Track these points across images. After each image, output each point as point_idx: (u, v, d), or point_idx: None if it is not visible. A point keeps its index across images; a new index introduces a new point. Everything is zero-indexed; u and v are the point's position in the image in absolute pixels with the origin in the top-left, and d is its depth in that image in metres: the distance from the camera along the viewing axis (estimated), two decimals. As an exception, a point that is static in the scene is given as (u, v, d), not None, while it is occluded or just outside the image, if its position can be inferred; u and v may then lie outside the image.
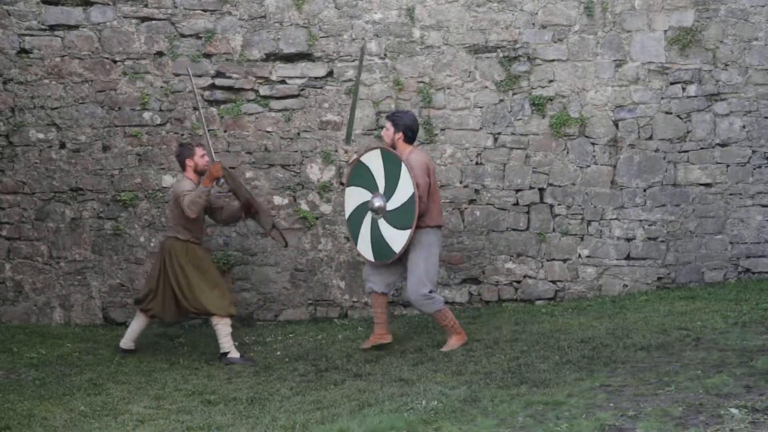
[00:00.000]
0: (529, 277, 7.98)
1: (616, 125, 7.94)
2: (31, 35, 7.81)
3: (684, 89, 7.90)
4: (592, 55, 7.92)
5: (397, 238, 6.40)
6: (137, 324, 6.90)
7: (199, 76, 7.88)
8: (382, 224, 6.48)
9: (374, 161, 6.55)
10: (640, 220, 7.93)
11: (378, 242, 6.52)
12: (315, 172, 7.97)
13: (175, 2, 7.89)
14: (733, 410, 4.38)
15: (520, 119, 7.96)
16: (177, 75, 7.89)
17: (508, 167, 7.99)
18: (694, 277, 7.92)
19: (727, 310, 6.83)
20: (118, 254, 7.90)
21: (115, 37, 7.86)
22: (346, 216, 6.81)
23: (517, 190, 7.98)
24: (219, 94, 7.94)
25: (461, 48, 7.96)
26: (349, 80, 7.94)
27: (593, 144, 7.95)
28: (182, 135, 7.83)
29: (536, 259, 7.97)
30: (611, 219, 7.94)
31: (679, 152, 7.92)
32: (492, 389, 5.20)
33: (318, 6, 7.94)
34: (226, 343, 6.67)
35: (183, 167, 6.85)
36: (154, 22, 7.89)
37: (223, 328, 6.67)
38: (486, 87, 7.98)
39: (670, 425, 4.26)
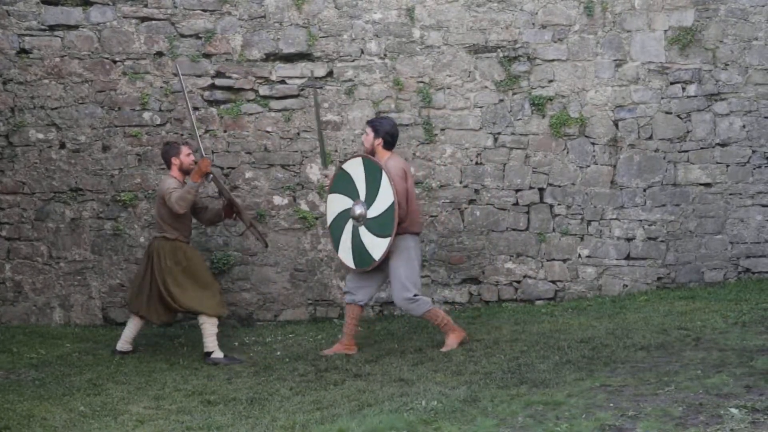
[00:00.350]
0: (529, 277, 7.98)
1: (616, 125, 7.94)
2: (31, 35, 7.81)
3: (684, 89, 7.90)
4: (592, 55, 7.92)
5: (377, 246, 6.42)
6: (132, 326, 6.90)
7: (199, 76, 7.89)
8: (363, 231, 6.50)
9: (355, 168, 6.58)
10: (640, 220, 7.93)
11: (358, 249, 6.54)
12: (315, 172, 7.97)
13: (174, 2, 7.89)
14: (733, 410, 4.37)
15: (520, 119, 7.96)
16: (176, 75, 7.88)
17: (508, 167, 7.99)
18: (694, 277, 7.92)
19: (727, 310, 6.83)
20: (117, 254, 7.90)
21: (115, 37, 7.86)
22: (328, 223, 6.84)
23: (517, 190, 7.98)
24: (219, 94, 7.94)
25: (461, 48, 7.96)
26: (349, 80, 7.94)
27: (593, 144, 7.95)
28: (182, 135, 7.83)
29: (536, 259, 7.97)
30: (611, 219, 7.94)
31: (679, 152, 7.92)
32: (492, 389, 5.20)
33: (318, 6, 7.94)
34: (211, 342, 6.68)
35: (168, 165, 6.88)
36: (153, 22, 7.89)
37: (209, 327, 6.67)
38: (486, 87, 7.98)
39: (670, 425, 4.26)
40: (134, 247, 7.89)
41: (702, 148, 7.92)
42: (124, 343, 6.89)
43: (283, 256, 7.96)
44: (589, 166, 7.96)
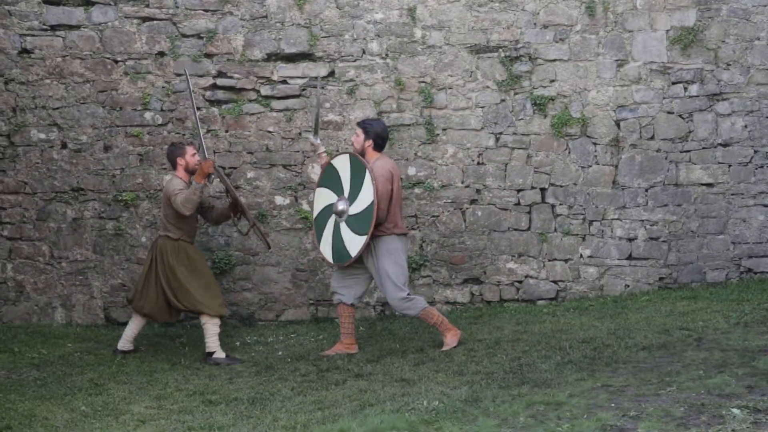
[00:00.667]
0: (531, 277, 7.97)
1: (618, 125, 7.94)
2: (33, 35, 7.82)
3: (686, 89, 7.89)
4: (594, 55, 7.92)
5: (354, 243, 6.48)
6: (134, 325, 6.91)
7: (201, 76, 7.89)
8: (343, 227, 6.57)
9: (343, 165, 6.65)
10: (642, 220, 7.92)
11: (338, 244, 6.60)
12: (316, 172, 7.96)
13: (176, 2, 7.89)
14: (735, 410, 4.37)
15: (521, 119, 7.96)
16: (178, 75, 7.89)
17: (510, 167, 7.99)
18: (696, 277, 7.91)
19: (729, 310, 6.83)
20: (119, 254, 7.90)
21: (117, 37, 7.86)
22: (314, 216, 6.91)
23: (519, 190, 7.98)
24: (220, 94, 7.94)
25: (463, 48, 7.95)
26: (351, 80, 7.94)
27: (595, 144, 7.95)
28: (183, 135, 7.83)
29: (538, 259, 7.96)
30: (613, 219, 7.94)
31: (681, 152, 7.91)
32: (493, 389, 5.20)
33: (319, 6, 7.94)
34: (213, 343, 6.69)
35: (174, 166, 6.89)
36: (155, 22, 7.89)
37: (211, 327, 6.68)
38: (487, 87, 7.98)
39: (672, 425, 4.26)
40: (136, 246, 7.89)
41: (704, 148, 7.91)
42: (125, 342, 6.90)
43: (285, 256, 7.96)
44: (590, 166, 7.95)
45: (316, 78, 7.64)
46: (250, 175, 7.95)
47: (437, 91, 7.96)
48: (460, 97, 7.97)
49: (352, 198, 6.53)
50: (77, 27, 7.85)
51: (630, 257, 7.94)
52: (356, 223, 6.49)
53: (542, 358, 5.90)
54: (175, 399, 5.68)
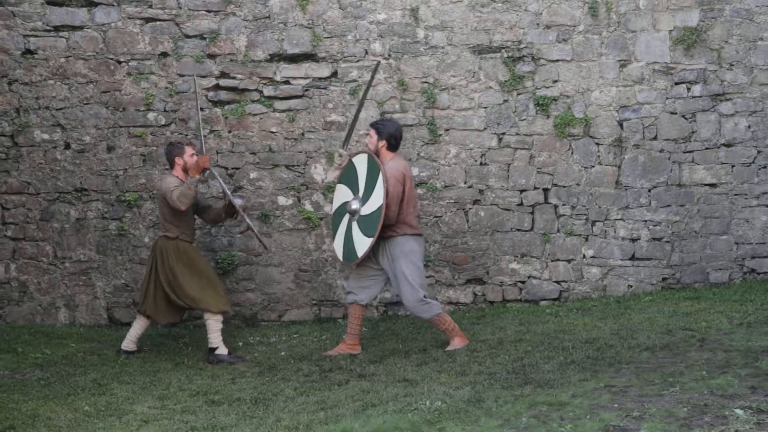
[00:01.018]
0: (534, 277, 7.97)
1: (621, 125, 7.93)
2: (36, 36, 7.83)
3: (689, 89, 7.89)
4: (597, 55, 7.91)
5: (362, 244, 6.48)
6: (138, 325, 6.93)
7: (204, 76, 7.90)
8: (354, 227, 6.59)
9: (361, 164, 6.66)
10: (645, 221, 7.92)
11: (348, 243, 6.62)
12: (319, 172, 7.98)
13: (179, 3, 7.90)
14: (738, 411, 4.36)
15: (524, 119, 7.96)
16: (181, 75, 7.90)
17: (513, 167, 7.99)
18: (699, 278, 7.90)
19: (732, 311, 6.82)
20: (122, 254, 7.91)
21: (120, 38, 7.87)
22: (332, 211, 6.94)
23: (522, 191, 7.98)
24: (223, 95, 7.94)
25: (465, 48, 7.95)
26: (353, 81, 7.94)
27: (598, 144, 7.94)
28: (186, 135, 7.84)
29: (541, 259, 7.96)
30: (616, 219, 7.93)
31: (684, 152, 7.91)
32: (496, 390, 5.20)
33: (322, 6, 7.95)
34: (216, 339, 6.70)
35: (172, 165, 6.91)
36: (158, 22, 7.90)
37: (214, 324, 6.70)
38: (490, 87, 7.97)
39: (675, 426, 4.25)
40: (139, 247, 7.90)
41: (707, 149, 7.90)
42: (129, 343, 6.91)
43: (288, 256, 7.96)
44: (593, 166, 7.95)
45: (368, 86, 7.12)
46: (252, 175, 7.96)
47: (440, 91, 7.96)
48: (463, 97, 7.97)
49: (365, 198, 6.53)
50: (80, 28, 7.86)
51: (633, 257, 7.93)
52: (365, 225, 6.48)
53: (545, 358, 5.90)
54: (178, 399, 5.69)
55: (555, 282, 7.97)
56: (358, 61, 7.94)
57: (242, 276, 7.95)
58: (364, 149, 6.83)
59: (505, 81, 7.95)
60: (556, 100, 7.94)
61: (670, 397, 4.74)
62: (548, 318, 7.27)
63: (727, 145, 7.89)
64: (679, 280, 7.91)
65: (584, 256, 7.96)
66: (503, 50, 7.94)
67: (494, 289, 7.99)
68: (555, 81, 7.94)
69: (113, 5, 7.86)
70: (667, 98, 7.89)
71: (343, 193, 6.78)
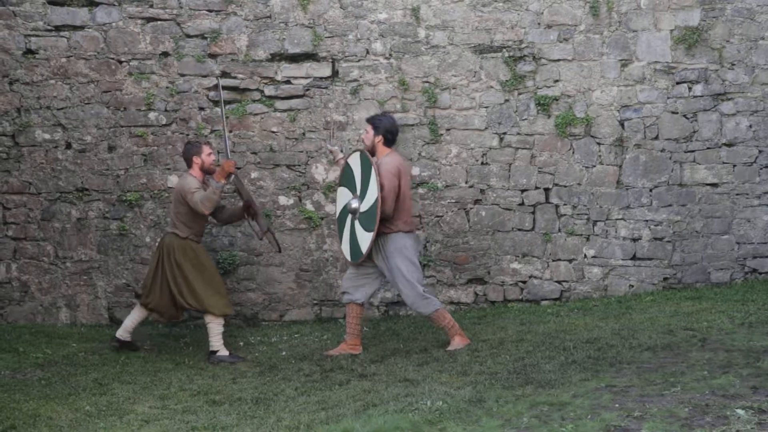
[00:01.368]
0: (535, 277, 7.96)
1: (622, 125, 7.92)
2: (37, 36, 7.83)
3: (690, 89, 7.88)
4: (598, 55, 7.91)
5: (364, 240, 6.51)
6: (135, 316, 6.92)
7: (204, 76, 7.90)
8: (357, 225, 6.61)
9: (355, 163, 6.68)
10: (646, 220, 7.91)
11: (353, 242, 6.64)
12: (320, 172, 7.98)
13: (180, 3, 7.90)
14: (740, 411, 4.36)
15: (525, 119, 7.95)
16: (182, 75, 7.90)
17: (514, 167, 7.98)
18: (701, 278, 7.90)
19: (733, 311, 6.81)
20: (123, 254, 7.91)
21: (121, 38, 7.87)
22: (336, 215, 6.96)
23: (523, 190, 7.97)
24: (224, 95, 7.94)
25: (466, 48, 7.95)
26: (355, 80, 7.94)
27: (599, 144, 7.94)
28: (187, 135, 7.84)
29: (542, 259, 7.96)
30: (617, 219, 7.93)
31: (686, 152, 7.90)
32: (497, 390, 5.19)
33: (323, 6, 7.94)
34: (216, 342, 6.71)
35: (189, 164, 6.89)
36: (159, 22, 7.90)
37: (215, 326, 6.70)
38: (491, 87, 7.97)
39: (676, 426, 4.25)
40: (140, 247, 7.90)
41: (708, 148, 7.90)
42: (124, 332, 6.91)
43: (289, 256, 7.96)
44: (594, 166, 7.95)
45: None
46: (254, 175, 7.96)
47: (441, 91, 7.96)
48: (464, 97, 7.97)
49: (362, 195, 6.56)
50: (81, 27, 7.86)
51: (634, 257, 7.93)
52: (365, 220, 6.51)
53: (546, 358, 5.89)
54: (179, 399, 5.69)
55: (556, 282, 7.96)
56: (359, 60, 7.94)
57: (243, 276, 7.95)
58: (358, 147, 6.84)
59: (506, 81, 7.95)
60: (557, 100, 7.93)
61: (671, 397, 4.74)
62: (549, 318, 7.26)
63: (729, 145, 7.88)
64: (681, 280, 7.90)
65: (585, 256, 7.95)
66: (504, 50, 7.94)
67: (495, 288, 7.99)
68: (556, 81, 7.94)
69: (114, 5, 7.86)
70: (668, 98, 7.89)
71: (344, 195, 6.80)
